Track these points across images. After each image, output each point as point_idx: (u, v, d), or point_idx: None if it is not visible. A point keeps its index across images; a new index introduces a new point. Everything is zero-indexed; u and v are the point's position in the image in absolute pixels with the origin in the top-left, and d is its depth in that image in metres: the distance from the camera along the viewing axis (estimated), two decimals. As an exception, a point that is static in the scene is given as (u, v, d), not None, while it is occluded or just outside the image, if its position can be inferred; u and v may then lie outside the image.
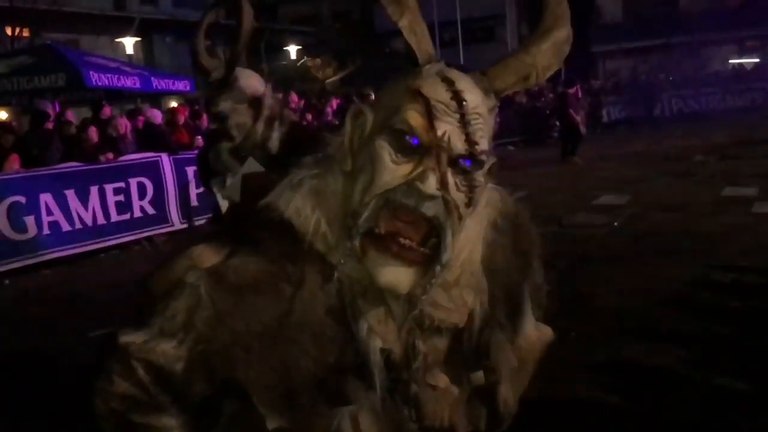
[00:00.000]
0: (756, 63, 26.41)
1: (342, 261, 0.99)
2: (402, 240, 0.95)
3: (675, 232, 6.77)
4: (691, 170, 10.81)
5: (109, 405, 1.00)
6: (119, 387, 0.99)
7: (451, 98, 0.97)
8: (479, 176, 1.00)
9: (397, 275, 0.96)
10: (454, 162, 0.97)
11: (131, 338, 0.99)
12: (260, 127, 2.63)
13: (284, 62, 27.98)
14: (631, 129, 19.38)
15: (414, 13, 1.05)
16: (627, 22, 30.97)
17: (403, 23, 1.03)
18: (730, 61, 27.55)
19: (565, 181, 10.92)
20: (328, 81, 23.22)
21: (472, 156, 0.98)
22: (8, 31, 18.62)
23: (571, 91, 13.83)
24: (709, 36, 27.83)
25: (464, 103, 0.97)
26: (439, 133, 0.96)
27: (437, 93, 0.97)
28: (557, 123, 17.68)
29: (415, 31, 1.05)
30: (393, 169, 0.96)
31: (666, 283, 5.14)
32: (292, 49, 26.79)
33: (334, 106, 13.21)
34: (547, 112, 17.87)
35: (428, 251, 0.97)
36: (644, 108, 22.11)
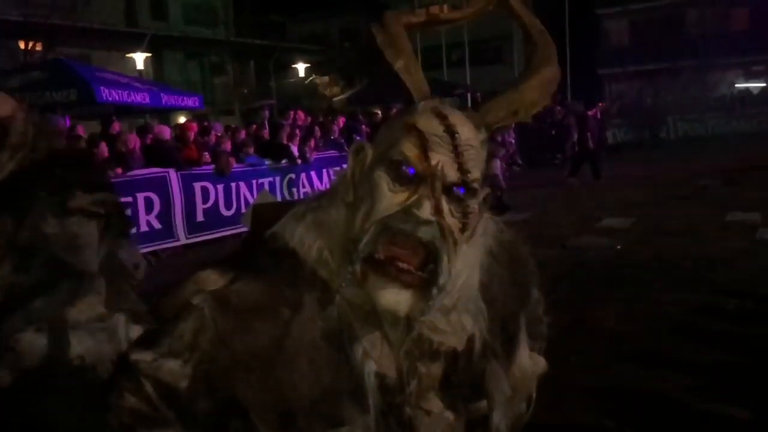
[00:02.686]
0: (762, 88, 26.49)
1: (343, 285, 1.04)
2: (400, 264, 1.00)
3: (678, 257, 6.78)
4: (696, 195, 10.83)
5: (120, 419, 1.04)
6: (129, 402, 1.04)
7: (444, 131, 1.03)
8: (472, 203, 1.05)
9: (396, 297, 1.00)
10: (448, 190, 1.02)
11: (141, 356, 1.04)
12: (5, 158, 2.04)
13: (292, 80, 28.25)
14: (636, 152, 19.42)
15: (409, 55, 1.13)
16: (633, 45, 31.17)
17: (399, 65, 1.12)
18: (736, 85, 27.64)
19: (569, 202, 10.95)
20: (335, 99, 23.41)
21: (464, 184, 1.03)
22: (21, 45, 18.89)
23: (591, 112, 13.85)
24: (715, 60, 27.98)
25: (456, 135, 1.03)
26: (433, 162, 1.01)
27: (431, 127, 1.03)
28: (574, 143, 17.79)
29: (410, 72, 1.12)
30: (391, 197, 1.01)
31: (668, 308, 5.15)
32: (301, 67, 27.04)
33: (341, 124, 13.32)
34: (553, 132, 17.87)
35: (426, 275, 1.02)
36: (649, 131, 22.17)
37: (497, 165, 10.32)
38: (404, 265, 0.99)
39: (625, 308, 5.20)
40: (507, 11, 1.22)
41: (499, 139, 10.40)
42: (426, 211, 0.98)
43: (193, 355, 1.02)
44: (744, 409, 3.41)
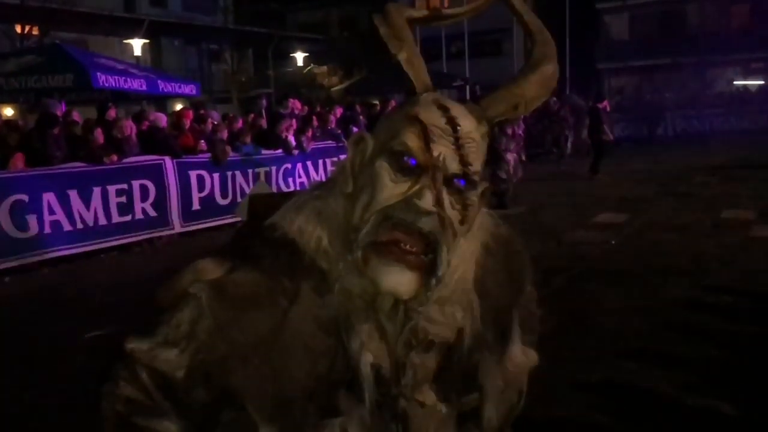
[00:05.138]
0: (760, 85, 26.50)
1: (343, 274, 1.04)
2: (403, 245, 1.00)
3: (672, 253, 6.80)
4: (692, 191, 10.85)
5: (115, 407, 1.05)
6: (124, 391, 1.04)
7: (446, 123, 1.04)
8: (472, 196, 1.05)
9: (399, 278, 1.00)
10: (448, 181, 1.02)
11: (138, 345, 1.05)
12: None
13: (291, 69, 28.14)
14: (634, 147, 19.43)
15: (411, 47, 1.13)
16: (633, 40, 31.15)
17: (402, 56, 1.12)
18: (735, 82, 27.67)
19: (565, 197, 10.95)
20: (333, 89, 23.32)
21: (465, 176, 1.03)
22: (18, 29, 18.74)
23: (601, 105, 13.82)
24: (714, 57, 27.99)
25: (458, 127, 1.04)
26: (435, 153, 1.02)
27: (433, 118, 1.04)
28: (567, 136, 17.77)
29: (413, 63, 1.12)
30: (392, 187, 1.01)
31: (662, 303, 5.17)
32: (299, 56, 26.92)
33: (338, 114, 13.27)
34: (547, 123, 17.75)
35: (427, 259, 1.02)
36: (647, 127, 22.18)
37: (510, 159, 10.24)
38: (407, 247, 0.99)
39: (618, 304, 5.22)
40: (507, 7, 1.22)
41: (509, 131, 10.28)
42: (427, 201, 0.98)
43: (190, 344, 1.02)
44: (734, 405, 3.43)
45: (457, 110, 1.05)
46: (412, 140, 1.02)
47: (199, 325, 1.02)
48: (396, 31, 1.12)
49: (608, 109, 14.61)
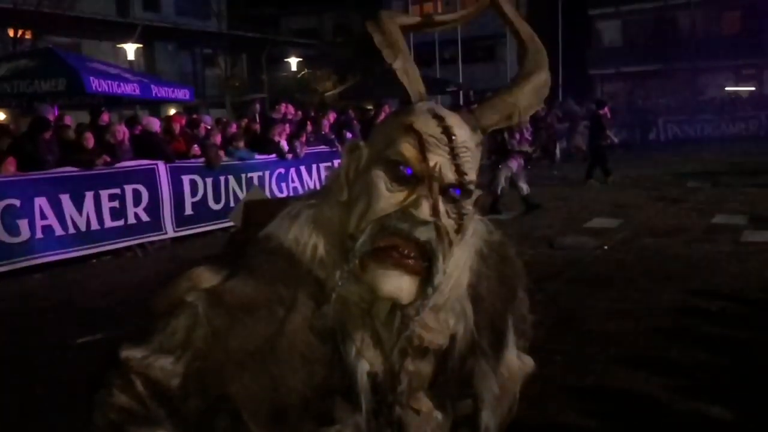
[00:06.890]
0: (751, 91, 26.70)
1: (339, 283, 1.04)
2: (401, 250, 1.00)
3: (664, 258, 6.84)
4: (683, 196, 10.91)
5: (108, 417, 1.04)
6: (118, 399, 1.03)
7: (442, 133, 1.04)
8: (468, 205, 1.06)
9: (399, 283, 1.00)
10: (444, 191, 1.03)
11: (132, 353, 1.04)
12: None
13: (285, 73, 28.16)
14: (626, 153, 19.52)
15: (406, 56, 1.14)
16: (625, 46, 31.34)
17: (397, 65, 1.12)
18: (726, 88, 27.85)
19: (557, 202, 10.99)
20: (327, 94, 23.34)
21: (461, 185, 1.04)
22: (11, 32, 18.70)
23: (602, 112, 13.90)
24: (706, 63, 28.21)
25: (453, 137, 1.04)
26: (431, 163, 1.02)
27: (429, 128, 1.04)
28: (555, 141, 17.83)
29: (407, 73, 1.13)
30: (388, 197, 1.01)
31: (653, 308, 5.19)
32: (293, 61, 26.96)
33: (332, 119, 13.27)
34: (534, 129, 17.78)
35: (425, 265, 1.02)
36: (639, 132, 22.29)
37: (515, 164, 10.19)
38: (405, 252, 1.00)
39: (610, 308, 5.23)
40: (498, 15, 1.22)
41: (518, 136, 10.17)
42: (424, 211, 0.99)
43: (185, 352, 1.01)
44: (726, 409, 3.45)
45: (452, 120, 1.05)
46: (407, 150, 1.02)
47: (194, 333, 1.01)
48: (390, 39, 1.13)
49: (609, 115, 14.72)
